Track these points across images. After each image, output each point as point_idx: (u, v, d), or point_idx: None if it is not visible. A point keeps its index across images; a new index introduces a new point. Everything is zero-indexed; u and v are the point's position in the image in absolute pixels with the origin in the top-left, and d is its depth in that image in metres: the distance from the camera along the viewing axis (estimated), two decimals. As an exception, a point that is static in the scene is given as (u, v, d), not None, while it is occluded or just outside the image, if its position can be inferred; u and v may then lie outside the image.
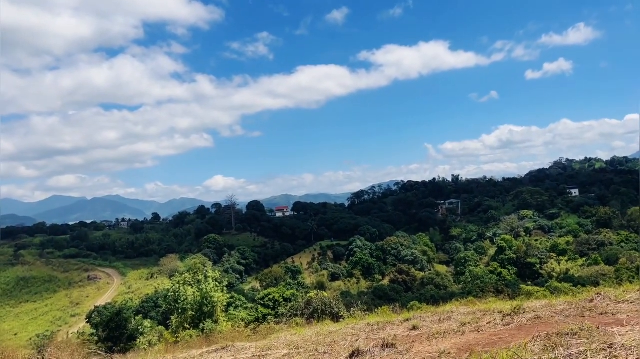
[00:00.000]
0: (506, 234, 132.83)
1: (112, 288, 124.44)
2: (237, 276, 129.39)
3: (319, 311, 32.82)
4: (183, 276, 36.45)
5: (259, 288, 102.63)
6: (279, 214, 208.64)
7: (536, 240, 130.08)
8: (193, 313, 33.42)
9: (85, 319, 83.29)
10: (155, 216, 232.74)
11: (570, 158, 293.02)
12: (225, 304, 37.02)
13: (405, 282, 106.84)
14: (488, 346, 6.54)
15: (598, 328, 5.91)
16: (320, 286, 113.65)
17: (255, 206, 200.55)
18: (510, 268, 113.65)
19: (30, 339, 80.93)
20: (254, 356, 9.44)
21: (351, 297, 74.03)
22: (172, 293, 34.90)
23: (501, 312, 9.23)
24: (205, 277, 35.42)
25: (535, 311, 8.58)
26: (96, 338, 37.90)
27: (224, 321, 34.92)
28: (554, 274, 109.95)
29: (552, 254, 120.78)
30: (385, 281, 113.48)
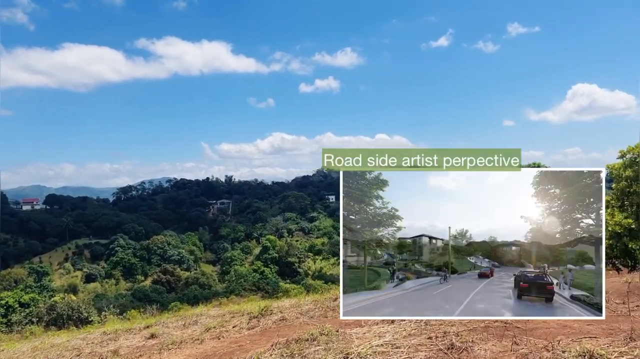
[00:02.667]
0: (271, 235, 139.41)
1: None
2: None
3: (65, 316, 29.40)
4: None
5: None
6: (26, 207, 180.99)
7: (297, 240, 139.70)
8: None
9: None
10: None
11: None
12: None
13: (169, 282, 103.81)
14: (225, 356, 5.79)
15: (337, 331, 5.69)
16: (72, 289, 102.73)
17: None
18: (272, 267, 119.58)
19: None
20: None
21: (107, 300, 68.40)
22: None
23: (250, 314, 8.74)
24: None
25: (282, 312, 8.29)
26: None
27: None
28: (310, 272, 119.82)
29: (309, 253, 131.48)
30: (148, 282, 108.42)
